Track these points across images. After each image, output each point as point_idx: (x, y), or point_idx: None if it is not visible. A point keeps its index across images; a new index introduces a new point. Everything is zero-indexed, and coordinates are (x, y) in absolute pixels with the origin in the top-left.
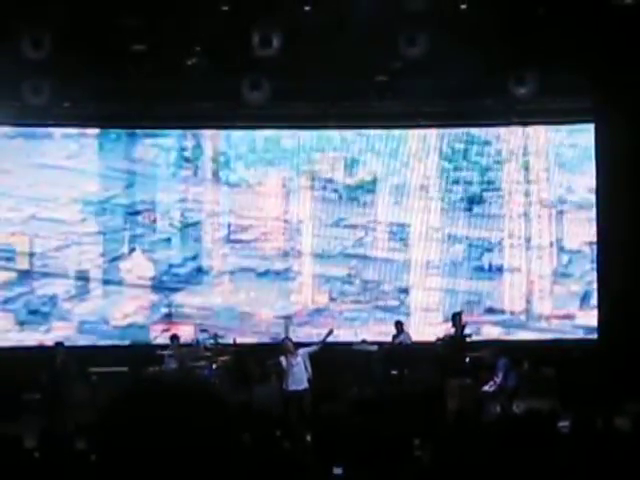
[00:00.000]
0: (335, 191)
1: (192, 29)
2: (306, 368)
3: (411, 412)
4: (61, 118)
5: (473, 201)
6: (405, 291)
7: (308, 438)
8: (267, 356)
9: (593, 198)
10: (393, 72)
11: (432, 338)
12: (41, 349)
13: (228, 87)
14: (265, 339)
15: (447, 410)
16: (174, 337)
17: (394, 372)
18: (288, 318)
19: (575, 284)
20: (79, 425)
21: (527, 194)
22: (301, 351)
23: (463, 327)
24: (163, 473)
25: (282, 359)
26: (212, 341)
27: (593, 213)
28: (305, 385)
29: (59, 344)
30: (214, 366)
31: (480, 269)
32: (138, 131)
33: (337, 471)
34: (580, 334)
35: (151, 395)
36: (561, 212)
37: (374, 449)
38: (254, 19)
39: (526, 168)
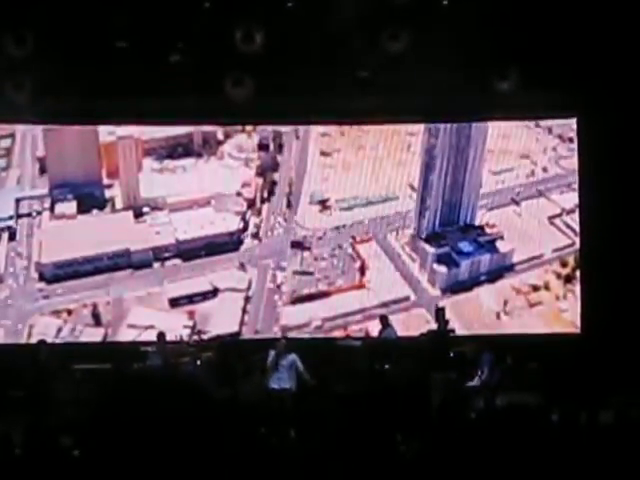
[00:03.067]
0: None
1: (175, 26)
2: (289, 376)
3: (395, 407)
4: (43, 115)
5: None
6: None
7: (292, 434)
8: (251, 351)
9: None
10: (375, 68)
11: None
12: (24, 347)
13: (211, 83)
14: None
15: (431, 405)
16: (161, 335)
17: (378, 367)
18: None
19: None
20: (63, 421)
21: None
22: (290, 357)
23: (446, 322)
24: (152, 466)
25: (271, 353)
26: (196, 337)
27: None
28: (286, 386)
29: (42, 342)
30: (198, 362)
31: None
32: None
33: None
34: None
35: (138, 389)
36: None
37: (358, 444)
38: (236, 15)
39: None
